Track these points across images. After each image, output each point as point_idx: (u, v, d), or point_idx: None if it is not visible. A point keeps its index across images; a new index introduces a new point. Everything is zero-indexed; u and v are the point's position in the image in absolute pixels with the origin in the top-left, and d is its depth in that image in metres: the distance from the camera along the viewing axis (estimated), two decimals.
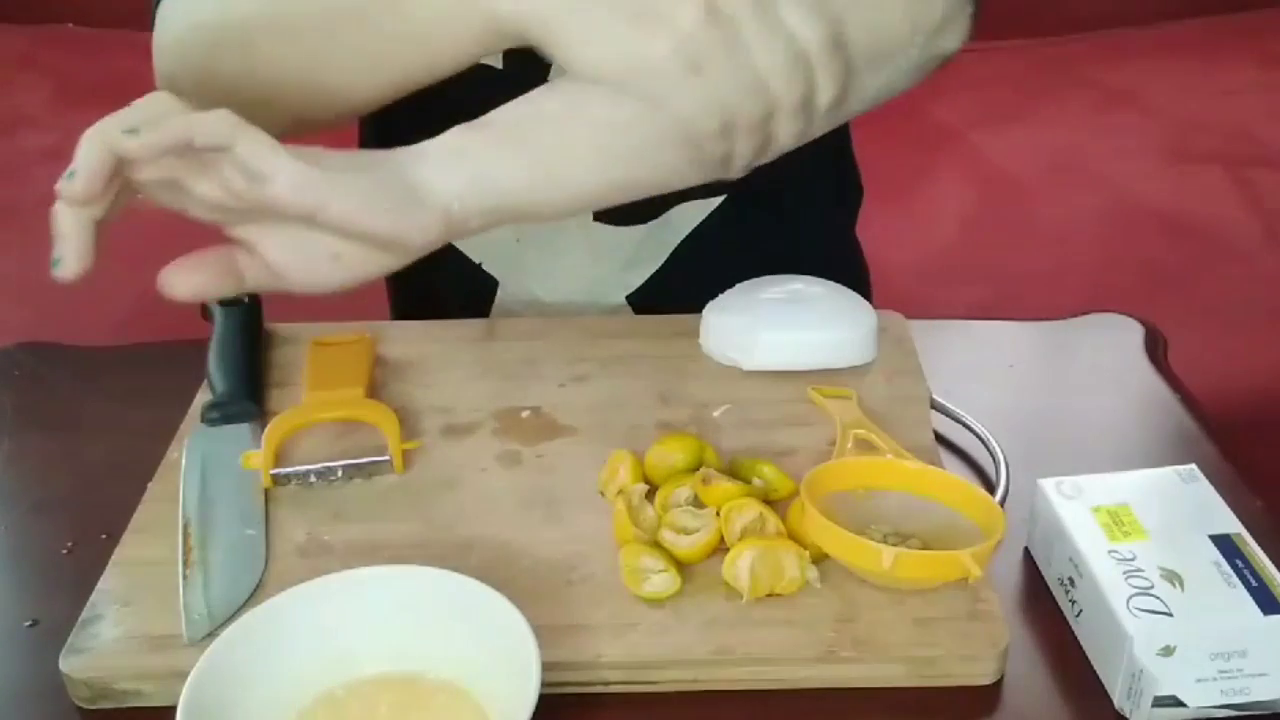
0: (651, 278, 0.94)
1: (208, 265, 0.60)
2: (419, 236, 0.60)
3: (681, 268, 0.94)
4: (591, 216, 0.91)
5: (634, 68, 0.60)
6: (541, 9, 0.60)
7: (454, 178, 0.61)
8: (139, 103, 0.59)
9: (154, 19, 0.76)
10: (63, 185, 0.57)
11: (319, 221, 0.58)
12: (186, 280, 0.60)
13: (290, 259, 0.60)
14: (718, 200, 0.92)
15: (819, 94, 0.62)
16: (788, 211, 0.96)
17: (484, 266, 0.95)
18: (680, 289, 0.90)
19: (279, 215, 0.58)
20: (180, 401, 0.81)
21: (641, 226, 0.92)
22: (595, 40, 0.61)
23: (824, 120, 0.64)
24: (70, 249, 0.59)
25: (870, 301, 1.03)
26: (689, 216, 0.93)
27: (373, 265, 0.61)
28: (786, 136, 0.63)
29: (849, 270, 1.05)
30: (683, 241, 0.94)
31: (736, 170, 0.64)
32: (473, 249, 0.94)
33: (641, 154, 0.63)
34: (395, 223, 0.59)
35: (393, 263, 0.62)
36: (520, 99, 0.64)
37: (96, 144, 0.56)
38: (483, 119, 0.63)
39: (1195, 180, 1.88)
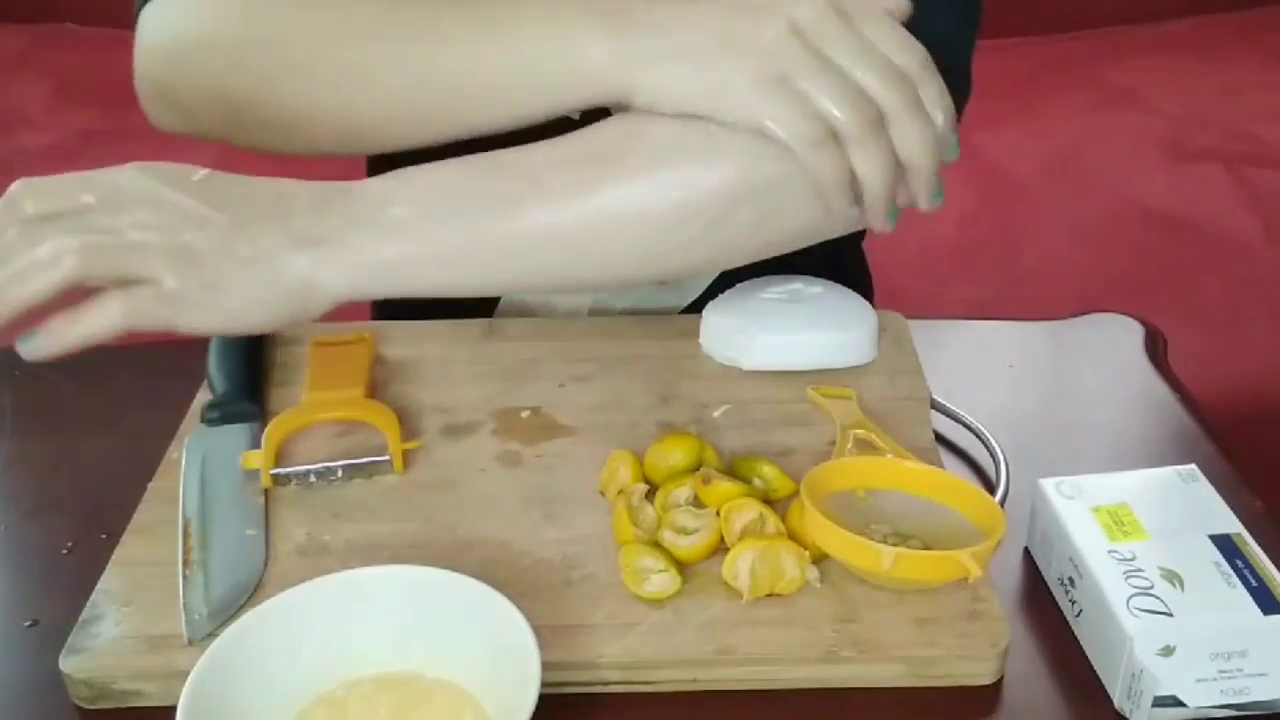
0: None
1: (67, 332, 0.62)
2: (310, 319, 0.63)
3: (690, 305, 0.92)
4: None
5: (721, 90, 0.61)
6: (637, 57, 0.62)
7: (340, 275, 0.62)
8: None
9: (137, 14, 0.75)
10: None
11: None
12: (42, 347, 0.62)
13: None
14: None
15: (926, 93, 0.61)
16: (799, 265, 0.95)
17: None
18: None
19: None
20: (180, 401, 0.81)
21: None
22: (685, 75, 0.62)
23: (945, 136, 0.63)
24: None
25: (871, 302, 1.03)
26: (702, 278, 0.91)
27: None
28: (916, 142, 0.62)
29: (853, 273, 1.05)
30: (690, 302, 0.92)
31: (875, 206, 0.63)
32: None
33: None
34: (277, 319, 0.62)
35: None
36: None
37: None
38: (369, 205, 0.63)
39: (1195, 179, 1.87)
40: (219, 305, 0.61)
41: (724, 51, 0.61)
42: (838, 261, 1.01)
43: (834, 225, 0.67)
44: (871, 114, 0.61)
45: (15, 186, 0.61)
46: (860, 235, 1.06)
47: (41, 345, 0.61)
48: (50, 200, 0.60)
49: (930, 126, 0.62)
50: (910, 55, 0.62)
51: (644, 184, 0.64)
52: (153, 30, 0.74)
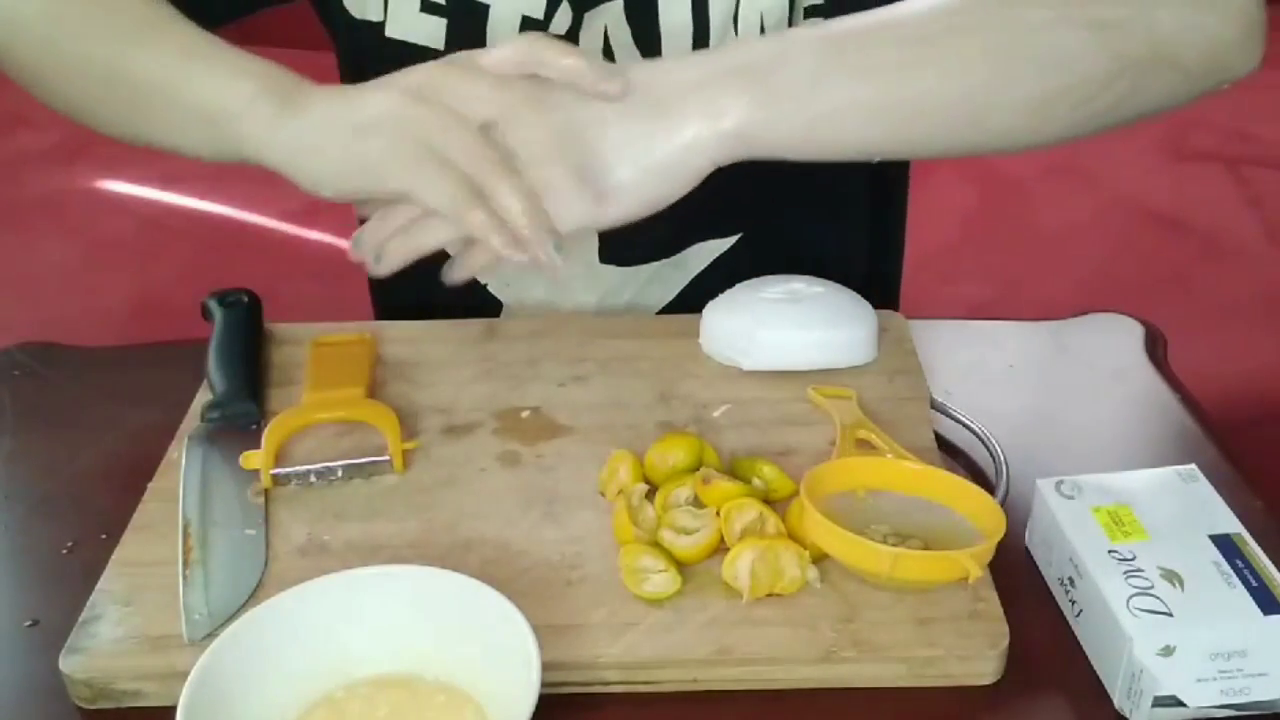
0: (660, 311, 0.93)
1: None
2: (683, 190, 0.68)
3: (691, 303, 0.93)
4: (598, 258, 0.91)
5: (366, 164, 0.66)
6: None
7: (720, 138, 0.66)
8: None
9: None
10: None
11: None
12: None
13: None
14: (733, 238, 0.92)
15: None
16: (807, 245, 0.95)
17: (490, 288, 0.94)
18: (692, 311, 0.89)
19: None
20: (180, 401, 0.81)
21: (648, 266, 0.91)
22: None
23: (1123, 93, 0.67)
24: None
25: (898, 299, 1.03)
26: (702, 254, 0.92)
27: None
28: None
29: (888, 272, 1.05)
30: (694, 278, 0.93)
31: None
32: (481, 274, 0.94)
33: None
34: (661, 199, 0.68)
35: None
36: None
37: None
38: (757, 62, 0.67)
39: (1195, 180, 1.87)
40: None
41: (352, 123, 0.66)
42: (876, 256, 1.01)
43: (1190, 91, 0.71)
44: (507, 165, 0.65)
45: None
46: (902, 234, 1.06)
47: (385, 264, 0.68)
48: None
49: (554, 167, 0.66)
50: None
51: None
52: None
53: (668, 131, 0.66)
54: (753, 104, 0.65)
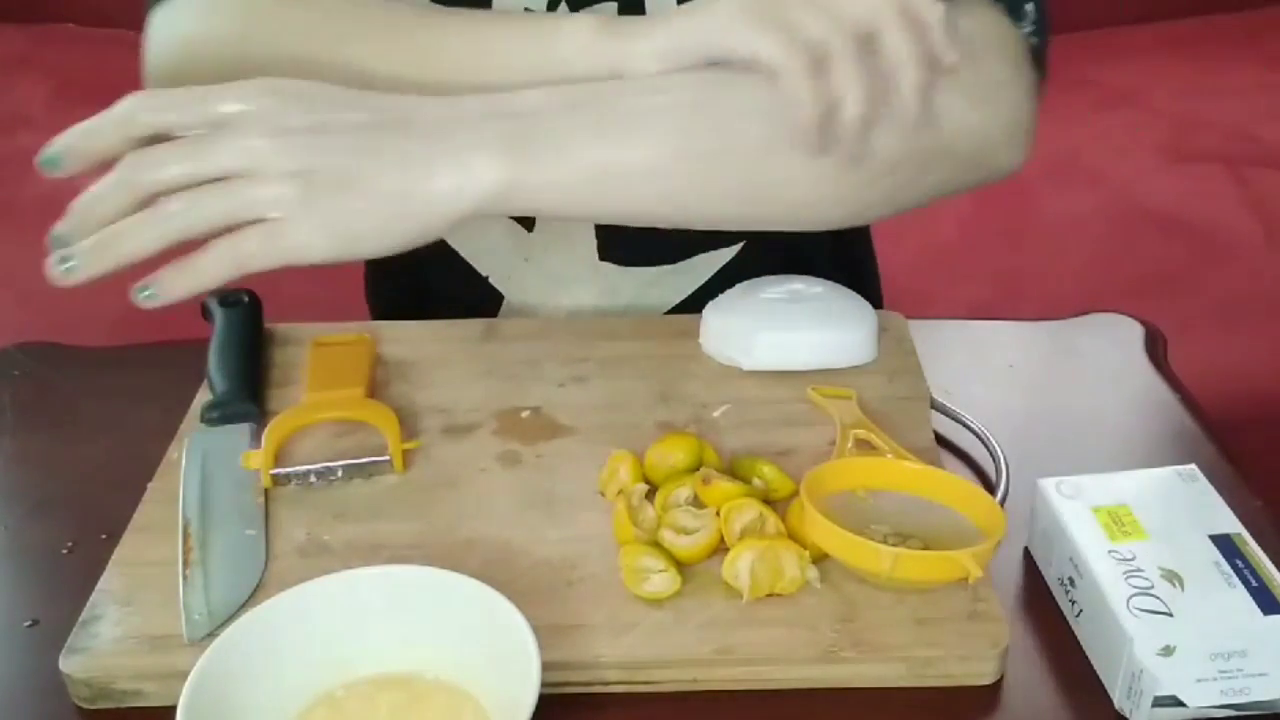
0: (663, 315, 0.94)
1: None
2: (428, 238, 0.63)
3: (695, 309, 0.92)
4: (598, 255, 0.90)
5: (713, 29, 0.64)
6: (623, 34, 0.66)
7: (477, 191, 0.62)
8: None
9: (146, 15, 0.77)
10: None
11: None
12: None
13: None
14: (736, 247, 0.92)
15: (927, 29, 0.62)
16: (812, 252, 0.95)
17: (491, 280, 0.94)
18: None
19: None
20: (180, 401, 0.81)
21: (650, 270, 0.91)
22: (675, 27, 0.65)
23: (915, 150, 0.66)
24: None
25: (880, 302, 1.03)
26: (708, 264, 0.92)
27: None
28: (902, 50, 0.62)
29: (864, 273, 1.05)
30: (699, 286, 0.93)
31: (849, 132, 0.62)
32: (480, 264, 0.94)
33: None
34: (406, 243, 0.63)
35: None
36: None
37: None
38: (519, 128, 0.64)
39: (1195, 180, 1.87)
40: (337, 227, 0.61)
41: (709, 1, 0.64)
42: (849, 261, 1.01)
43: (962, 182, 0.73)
44: (858, 34, 0.62)
45: (127, 101, 0.61)
46: (868, 236, 1.06)
47: (155, 296, 0.61)
48: (164, 117, 0.60)
49: (918, 37, 0.62)
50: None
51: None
52: (161, 32, 0.76)
53: (421, 178, 0.62)
54: (510, 164, 0.62)
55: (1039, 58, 0.76)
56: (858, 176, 0.66)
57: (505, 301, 0.94)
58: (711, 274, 0.92)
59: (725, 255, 0.92)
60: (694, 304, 0.92)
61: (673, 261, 0.91)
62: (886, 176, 0.68)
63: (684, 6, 0.67)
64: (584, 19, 0.68)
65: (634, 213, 0.67)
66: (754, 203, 0.67)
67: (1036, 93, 0.75)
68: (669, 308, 0.93)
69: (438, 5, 0.73)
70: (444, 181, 0.62)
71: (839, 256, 1.00)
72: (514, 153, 0.63)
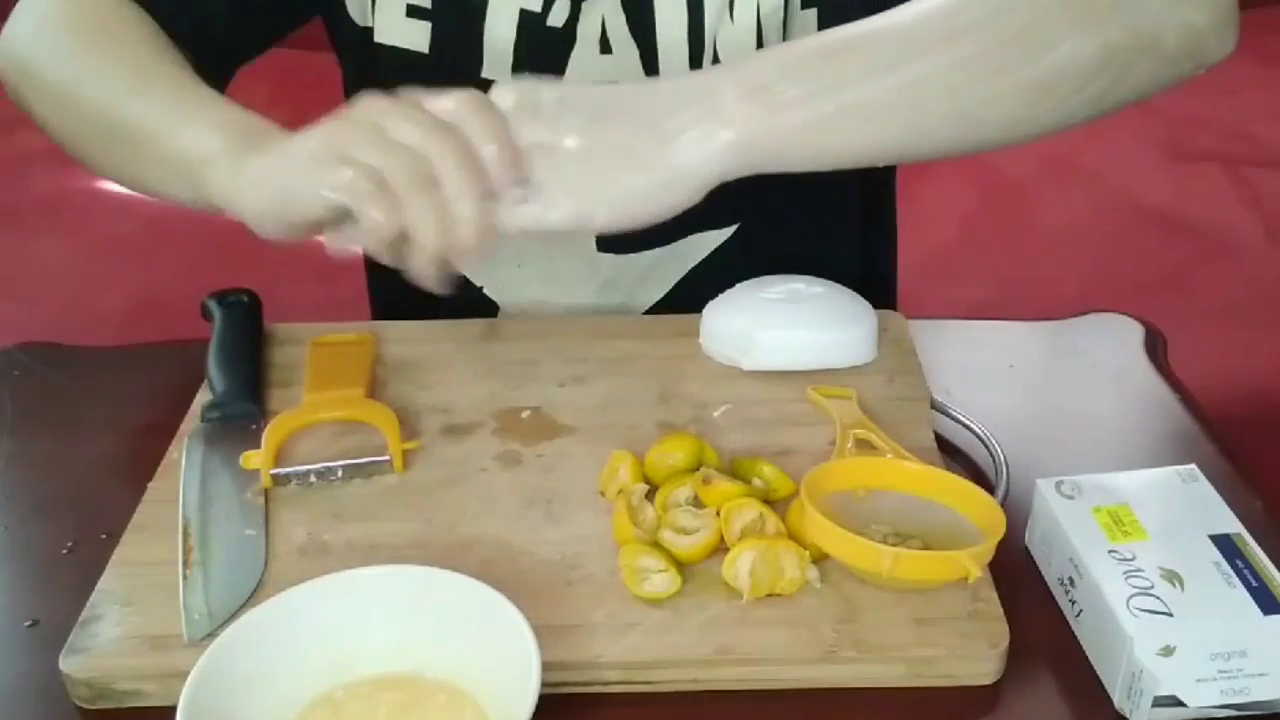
0: (657, 304, 0.94)
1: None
2: (676, 209, 0.66)
3: (688, 294, 0.93)
4: (595, 246, 0.91)
5: (291, 180, 0.66)
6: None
7: (718, 154, 0.65)
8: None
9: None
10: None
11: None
12: None
13: None
14: (730, 230, 0.92)
15: (473, 129, 0.64)
16: (799, 234, 0.96)
17: (485, 291, 0.94)
18: (689, 310, 0.89)
19: None
20: (180, 401, 0.81)
21: (647, 254, 0.91)
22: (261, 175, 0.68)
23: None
24: None
25: (895, 301, 1.03)
26: (700, 245, 0.92)
27: None
28: (456, 191, 0.63)
29: (883, 271, 1.05)
30: (691, 270, 0.93)
31: (422, 259, 0.64)
32: (474, 273, 0.94)
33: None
34: (650, 215, 0.66)
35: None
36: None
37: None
38: (756, 75, 0.66)
39: (1194, 179, 1.88)
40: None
41: (291, 155, 0.66)
42: (870, 257, 1.01)
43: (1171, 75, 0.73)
44: (421, 168, 0.62)
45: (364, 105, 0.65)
46: (893, 234, 1.05)
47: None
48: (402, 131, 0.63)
49: (472, 176, 0.63)
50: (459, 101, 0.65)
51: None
52: (13, 17, 0.83)
53: (664, 149, 0.65)
54: (751, 115, 0.65)
55: None
56: (1061, 89, 0.67)
57: (501, 310, 0.94)
58: (704, 256, 0.92)
59: (719, 237, 0.92)
60: (688, 289, 0.92)
61: (667, 243, 0.91)
62: (1087, 84, 0.68)
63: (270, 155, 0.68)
64: (219, 137, 0.70)
65: (865, 153, 0.69)
66: (971, 125, 0.69)
67: None
68: (665, 293, 0.93)
69: (164, 77, 0.77)
70: (690, 148, 0.65)
71: (865, 246, 1.00)
72: (754, 109, 0.65)
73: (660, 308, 0.93)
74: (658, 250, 0.91)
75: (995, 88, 0.66)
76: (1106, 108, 0.70)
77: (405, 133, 0.63)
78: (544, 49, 0.82)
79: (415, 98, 0.65)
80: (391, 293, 1.03)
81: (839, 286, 0.86)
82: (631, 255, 0.91)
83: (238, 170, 0.68)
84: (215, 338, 0.84)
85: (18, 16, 0.82)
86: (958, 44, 0.66)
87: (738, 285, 0.86)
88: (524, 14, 0.81)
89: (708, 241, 0.92)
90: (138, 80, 0.76)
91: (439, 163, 0.62)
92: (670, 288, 0.93)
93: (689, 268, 0.93)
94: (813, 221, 0.94)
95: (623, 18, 0.82)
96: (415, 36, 0.83)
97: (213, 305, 0.87)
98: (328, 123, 0.66)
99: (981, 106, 0.67)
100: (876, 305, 0.85)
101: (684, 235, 0.91)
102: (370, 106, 0.65)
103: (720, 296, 0.86)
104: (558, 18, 0.81)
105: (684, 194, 0.65)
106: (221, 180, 0.69)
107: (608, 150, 0.65)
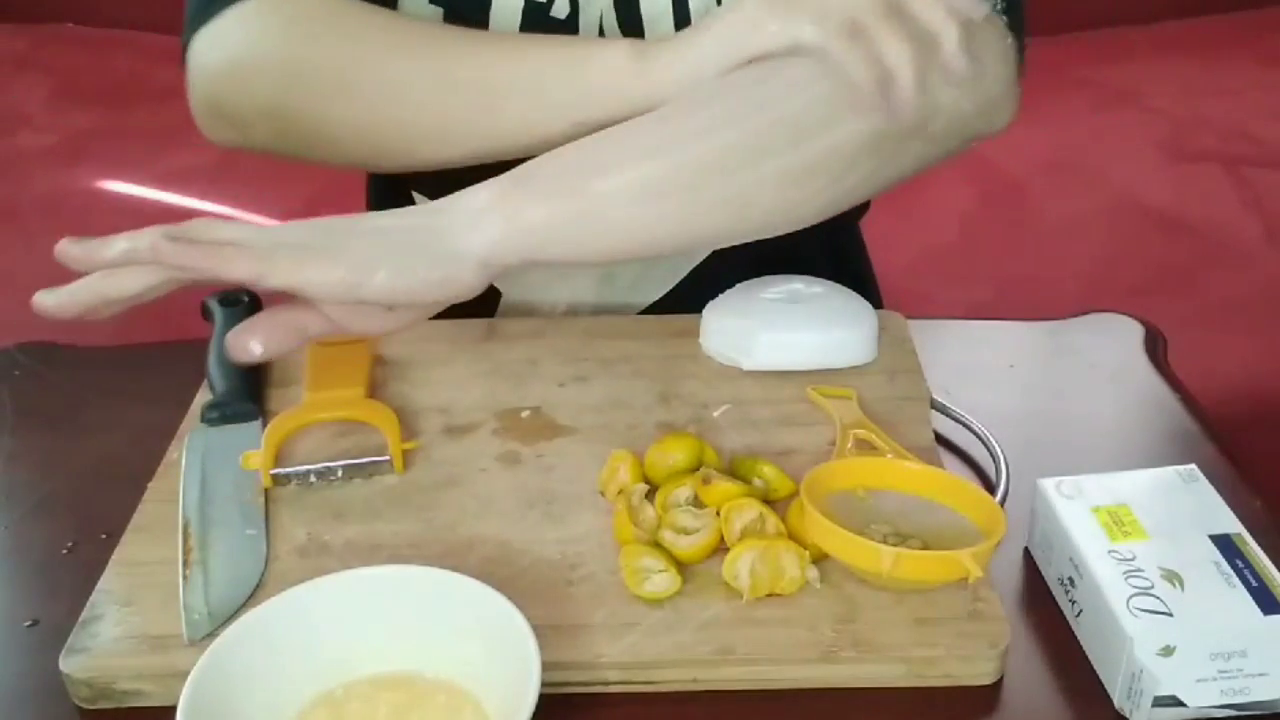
0: (656, 303, 0.94)
1: (275, 326, 0.64)
2: (463, 293, 0.65)
3: (687, 295, 0.93)
4: None
5: (751, 26, 0.67)
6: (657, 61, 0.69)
7: (487, 233, 0.65)
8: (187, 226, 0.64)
9: (186, 40, 0.79)
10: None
11: (358, 300, 0.63)
12: (258, 345, 0.63)
13: (349, 316, 0.64)
14: None
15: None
16: (808, 238, 0.96)
17: None
18: (691, 306, 0.89)
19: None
20: (180, 401, 0.81)
21: None
22: (709, 36, 0.68)
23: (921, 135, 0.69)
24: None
25: (878, 301, 1.03)
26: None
27: (426, 312, 0.66)
28: (930, 11, 0.64)
29: (858, 274, 1.05)
30: (692, 270, 0.93)
31: (907, 91, 0.64)
32: None
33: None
34: (431, 288, 0.64)
35: (442, 306, 0.66)
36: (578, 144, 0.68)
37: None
38: (523, 170, 0.67)
39: (1195, 180, 1.87)
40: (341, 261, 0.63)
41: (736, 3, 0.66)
42: (842, 261, 1.01)
43: (938, 155, 0.73)
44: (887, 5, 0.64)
45: (149, 237, 0.62)
46: (860, 240, 1.06)
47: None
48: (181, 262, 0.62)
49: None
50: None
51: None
52: (206, 52, 0.77)
53: (438, 236, 0.65)
54: (512, 210, 0.65)
55: (1015, 23, 0.75)
56: (830, 171, 0.68)
57: (503, 298, 0.94)
58: (704, 255, 0.92)
59: None
60: (688, 289, 0.92)
61: None
62: (853, 167, 0.69)
63: (701, 22, 0.69)
64: (617, 47, 0.70)
65: (633, 241, 0.68)
66: (741, 207, 0.68)
67: (1018, 59, 0.75)
68: (664, 293, 0.93)
69: (477, 30, 0.76)
70: (459, 241, 0.64)
71: (833, 254, 1.00)
72: (514, 202, 0.65)
73: (660, 307, 0.93)
74: None
75: (762, 170, 0.67)
76: (876, 188, 0.72)
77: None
78: None
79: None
80: None
81: (839, 286, 0.86)
82: None
83: (649, 51, 0.70)
84: (215, 338, 0.84)
85: (211, 46, 0.77)
86: (726, 129, 0.67)
87: (738, 285, 0.86)
88: (529, 4, 0.81)
89: None
90: (445, 39, 0.73)
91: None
92: (671, 287, 0.93)
93: (690, 268, 0.93)
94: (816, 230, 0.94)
95: (614, 13, 0.82)
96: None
97: (213, 305, 0.87)
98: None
99: (751, 188, 0.67)
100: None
101: None
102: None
103: (720, 296, 0.86)
104: (561, 9, 0.82)
105: (454, 291, 0.65)
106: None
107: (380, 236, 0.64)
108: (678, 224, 0.68)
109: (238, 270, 0.61)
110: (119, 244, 0.62)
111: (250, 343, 0.63)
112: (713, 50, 0.68)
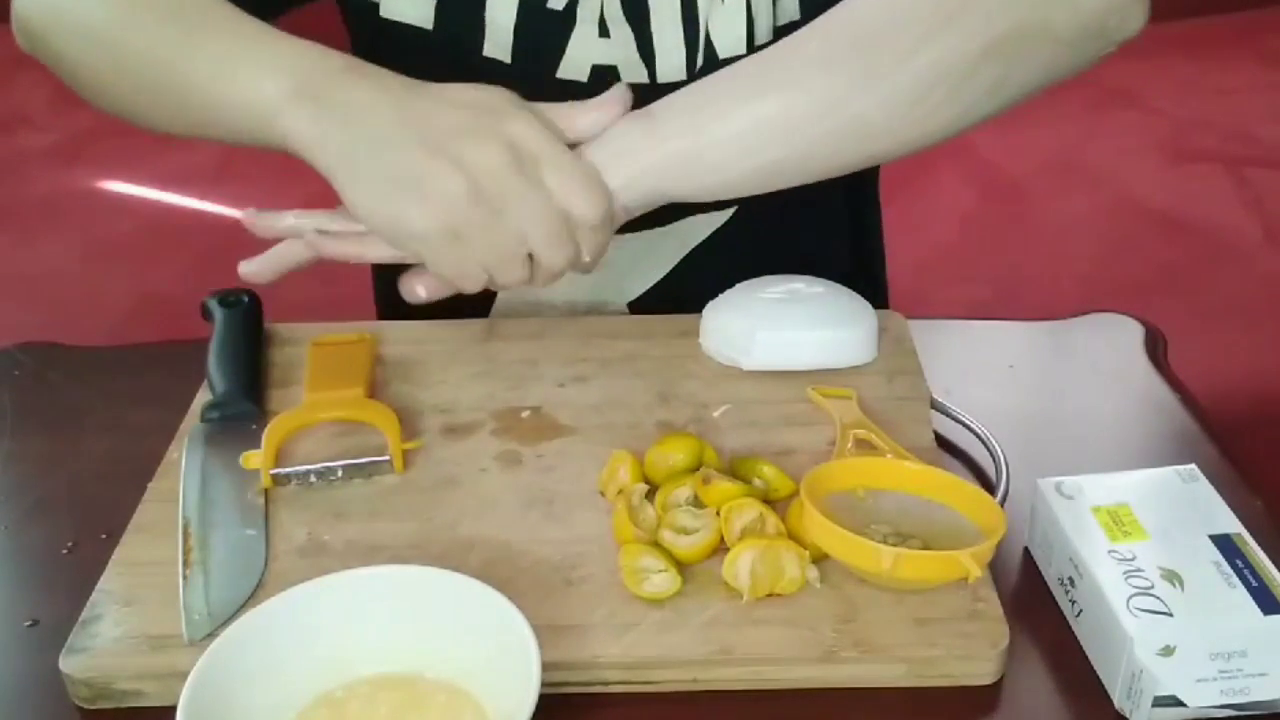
0: (654, 287, 0.94)
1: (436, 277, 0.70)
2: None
3: (685, 278, 0.93)
4: None
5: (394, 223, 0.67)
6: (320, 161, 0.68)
7: (618, 177, 0.69)
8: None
9: None
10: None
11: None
12: (423, 290, 0.72)
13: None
14: (728, 213, 0.92)
15: (586, 245, 0.69)
16: (798, 223, 0.96)
17: None
18: (684, 298, 0.89)
19: None
20: (180, 401, 0.81)
21: (641, 236, 0.91)
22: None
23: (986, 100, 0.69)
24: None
25: (885, 299, 1.03)
26: (696, 230, 0.92)
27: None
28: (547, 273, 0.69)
29: (860, 270, 1.05)
30: (687, 256, 0.93)
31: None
32: None
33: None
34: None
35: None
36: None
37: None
38: (649, 110, 0.70)
39: (1195, 180, 1.87)
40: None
41: (398, 191, 0.67)
42: (859, 256, 1.01)
43: (1074, 60, 0.71)
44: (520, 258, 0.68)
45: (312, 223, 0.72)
46: (879, 232, 1.06)
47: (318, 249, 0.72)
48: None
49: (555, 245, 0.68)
50: (591, 206, 0.67)
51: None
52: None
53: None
54: (641, 149, 0.69)
55: None
56: (939, 91, 0.68)
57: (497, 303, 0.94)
58: (701, 240, 0.93)
59: (717, 220, 0.92)
60: (684, 277, 0.92)
61: (664, 224, 0.91)
62: (975, 76, 0.68)
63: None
64: (285, 83, 0.69)
65: (758, 172, 0.71)
66: (858, 143, 0.70)
67: None
68: (661, 278, 0.93)
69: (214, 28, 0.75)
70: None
71: (853, 250, 1.00)
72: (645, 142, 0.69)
73: (656, 293, 0.94)
74: (655, 231, 0.91)
75: (874, 94, 0.68)
76: (1007, 99, 0.70)
77: (485, 170, 0.65)
78: (544, 30, 0.82)
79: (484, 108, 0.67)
80: (394, 277, 1.04)
81: (839, 286, 0.86)
82: (628, 235, 0.91)
83: (316, 130, 0.68)
84: (215, 338, 0.84)
85: None
86: (828, 55, 0.69)
87: (737, 285, 0.86)
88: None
89: (705, 225, 0.92)
90: (194, 29, 0.73)
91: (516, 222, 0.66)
92: (666, 272, 0.93)
93: (685, 252, 0.93)
94: (808, 213, 0.94)
95: (618, 4, 0.82)
96: (420, 12, 0.82)
97: (213, 305, 0.87)
98: (415, 138, 0.66)
99: (864, 115, 0.68)
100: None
101: (680, 217, 0.91)
102: (451, 119, 0.66)
103: (720, 296, 0.86)
104: (557, 1, 0.82)
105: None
106: (299, 134, 0.68)
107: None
108: (800, 155, 0.70)
109: (382, 251, 0.69)
110: (287, 219, 0.71)
111: (418, 287, 0.72)
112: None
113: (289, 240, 0.72)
